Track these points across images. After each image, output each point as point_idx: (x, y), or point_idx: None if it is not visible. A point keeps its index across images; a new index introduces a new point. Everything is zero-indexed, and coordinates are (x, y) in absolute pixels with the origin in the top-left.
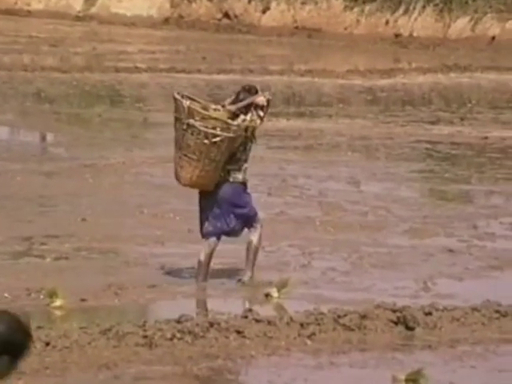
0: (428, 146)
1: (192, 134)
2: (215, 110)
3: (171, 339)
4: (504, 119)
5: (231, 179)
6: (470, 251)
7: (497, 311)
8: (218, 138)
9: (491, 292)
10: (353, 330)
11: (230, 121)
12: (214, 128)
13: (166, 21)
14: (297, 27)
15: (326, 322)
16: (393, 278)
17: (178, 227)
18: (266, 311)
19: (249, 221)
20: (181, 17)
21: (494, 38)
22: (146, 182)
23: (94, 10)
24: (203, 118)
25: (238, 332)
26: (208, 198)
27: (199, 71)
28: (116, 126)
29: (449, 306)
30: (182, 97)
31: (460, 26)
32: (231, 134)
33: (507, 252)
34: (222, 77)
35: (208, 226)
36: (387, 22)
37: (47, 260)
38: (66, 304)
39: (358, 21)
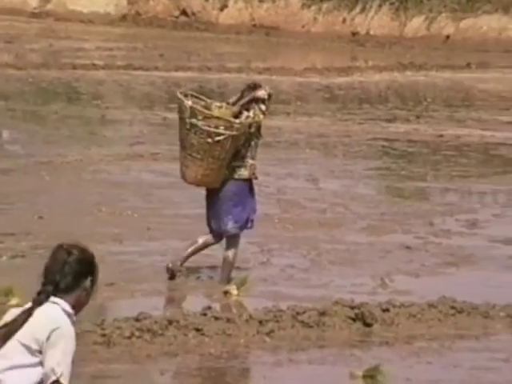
0: (385, 143)
1: (195, 133)
2: (219, 107)
3: (130, 337)
4: (459, 117)
5: (236, 176)
6: (426, 248)
7: (452, 307)
8: (221, 137)
9: (447, 288)
10: (311, 326)
11: (232, 119)
12: (216, 127)
13: (124, 18)
14: (255, 25)
15: (285, 319)
16: (351, 274)
17: (136, 225)
18: (225, 309)
19: (246, 223)
20: (138, 14)
21: (448, 36)
22: (104, 179)
23: (50, 6)
24: (206, 118)
25: (197, 330)
26: (213, 196)
27: (157, 68)
28: (73, 123)
29: (406, 303)
30: (186, 96)
31: (415, 24)
32: (234, 132)
33: (462, 249)
34: (179, 74)
35: (220, 224)
36: (344, 21)
37: (3, 258)
38: (22, 303)
39: (315, 19)
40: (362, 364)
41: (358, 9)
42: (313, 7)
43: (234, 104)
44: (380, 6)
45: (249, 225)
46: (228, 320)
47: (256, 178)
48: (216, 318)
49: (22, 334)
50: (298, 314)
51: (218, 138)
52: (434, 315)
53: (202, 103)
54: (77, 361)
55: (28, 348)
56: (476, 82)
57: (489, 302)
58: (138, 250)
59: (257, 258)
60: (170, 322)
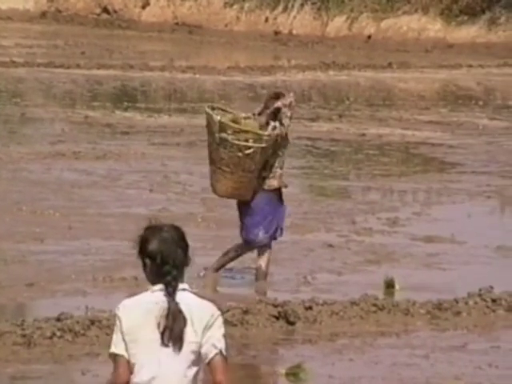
0: (308, 142)
1: (225, 147)
2: (246, 118)
3: (51, 338)
4: (380, 116)
5: (266, 187)
6: (348, 246)
7: (374, 305)
8: (251, 150)
9: (369, 286)
10: (235, 325)
11: (260, 131)
12: (246, 140)
13: (43, 15)
14: (177, 23)
15: None
16: (274, 273)
17: (57, 224)
18: None
19: (275, 233)
20: (58, 11)
21: (370, 36)
22: (24, 178)
23: None
24: (235, 132)
25: None
26: (244, 207)
27: (78, 66)
28: None
29: (328, 301)
30: (213, 109)
31: (337, 24)
32: (263, 144)
33: (384, 247)
34: (101, 72)
35: (249, 235)
36: (267, 20)
37: None
38: None
39: (237, 18)
40: (285, 362)
41: (280, 8)
42: (235, 6)
43: (259, 114)
44: (302, 5)
45: (278, 233)
46: None
47: (286, 187)
48: None
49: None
50: (221, 312)
51: (247, 152)
52: (356, 313)
53: (229, 116)
54: None
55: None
56: (397, 81)
57: (409, 300)
58: (60, 249)
59: None
60: (92, 322)
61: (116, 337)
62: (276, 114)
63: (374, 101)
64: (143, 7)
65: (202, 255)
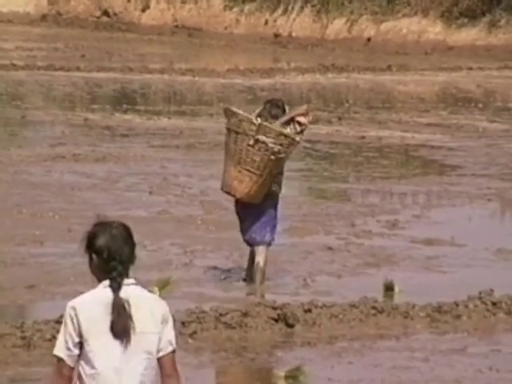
0: (307, 145)
1: (259, 149)
2: (260, 121)
3: (50, 340)
4: (380, 119)
5: (274, 190)
6: (348, 249)
7: (373, 307)
8: (282, 155)
9: (368, 289)
10: (234, 328)
11: (293, 136)
12: (281, 144)
13: (44, 18)
14: (177, 26)
15: (208, 321)
16: (273, 275)
17: (57, 226)
18: None
19: (274, 235)
20: (59, 14)
21: (369, 39)
22: (25, 180)
23: None
24: (276, 135)
25: None
26: (251, 209)
27: (78, 69)
28: None
29: (327, 303)
30: (229, 111)
31: (337, 26)
32: (291, 150)
33: (383, 249)
34: (101, 75)
35: (255, 236)
36: (266, 22)
37: None
38: None
39: (237, 20)
40: (284, 364)
41: (279, 11)
42: (235, 9)
43: (259, 116)
44: (302, 7)
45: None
46: None
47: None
48: None
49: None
50: (220, 315)
51: (280, 156)
52: (355, 315)
53: (240, 117)
54: None
55: None
56: (396, 84)
57: (409, 302)
58: (59, 251)
59: (180, 259)
60: None
61: (63, 339)
62: (289, 123)
63: (374, 103)
64: (143, 10)
65: (202, 257)
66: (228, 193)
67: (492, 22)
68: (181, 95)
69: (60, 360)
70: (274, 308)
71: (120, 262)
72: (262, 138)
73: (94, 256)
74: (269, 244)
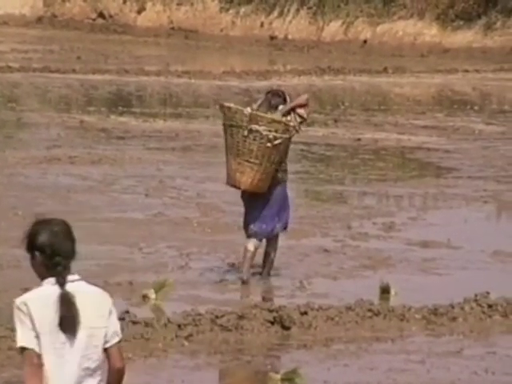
0: (303, 147)
1: (254, 139)
2: (257, 111)
3: None
4: (376, 121)
5: (280, 179)
6: (344, 251)
7: (369, 310)
8: (278, 141)
9: (364, 291)
10: (230, 330)
11: (290, 122)
12: (276, 131)
13: (40, 20)
14: (173, 28)
15: (204, 323)
16: (270, 278)
17: None
18: (143, 313)
19: (287, 224)
20: (54, 16)
21: (365, 41)
22: (20, 182)
23: None
24: (268, 122)
25: None
26: (258, 200)
27: (74, 71)
28: None
29: (324, 306)
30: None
31: (333, 29)
32: (287, 135)
33: (379, 252)
34: (97, 77)
35: (253, 227)
36: (262, 24)
37: None
38: None
39: (233, 22)
40: (281, 367)
41: (275, 13)
42: (231, 11)
43: (259, 107)
44: (298, 10)
45: (287, 226)
46: (146, 324)
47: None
48: (134, 323)
49: None
50: (216, 317)
51: (276, 142)
52: (351, 318)
53: (233, 110)
54: None
55: None
56: (392, 86)
57: (405, 305)
58: None
59: (176, 261)
60: None
61: (24, 331)
62: (290, 113)
63: (370, 105)
64: (139, 12)
65: (198, 260)
66: (233, 186)
67: (488, 25)
68: (177, 97)
69: (27, 351)
70: (270, 310)
71: (64, 257)
72: (254, 127)
73: (36, 254)
74: (283, 229)
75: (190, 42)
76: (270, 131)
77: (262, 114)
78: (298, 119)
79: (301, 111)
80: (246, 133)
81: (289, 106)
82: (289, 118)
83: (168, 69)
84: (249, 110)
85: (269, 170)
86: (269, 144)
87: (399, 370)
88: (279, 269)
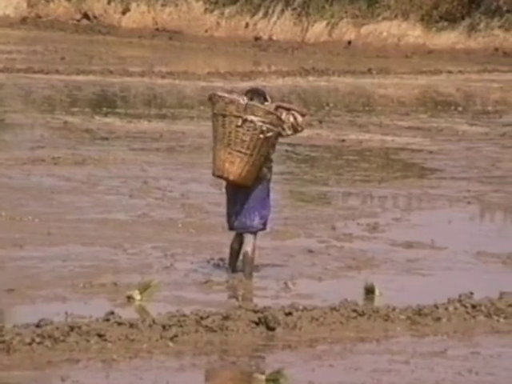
0: (288, 148)
1: (248, 129)
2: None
3: (30, 344)
4: (360, 122)
5: (262, 176)
6: (328, 252)
7: (354, 310)
8: (270, 133)
9: (349, 292)
10: (215, 331)
11: (281, 115)
12: (270, 123)
13: (23, 20)
14: (157, 29)
15: (189, 324)
16: (255, 278)
17: (37, 230)
18: (128, 314)
19: (266, 223)
20: (38, 17)
21: (350, 42)
22: (4, 184)
23: None
24: (265, 114)
25: (100, 335)
26: (240, 194)
27: (58, 72)
28: None
29: (308, 306)
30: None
31: (317, 30)
32: (278, 129)
33: (364, 252)
34: (81, 78)
35: (245, 220)
36: (247, 25)
37: None
38: None
39: (218, 23)
40: (265, 368)
41: (260, 14)
42: (215, 12)
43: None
44: (282, 11)
45: (265, 225)
46: (131, 325)
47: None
48: (119, 324)
49: None
50: (201, 318)
51: (268, 135)
52: (336, 318)
53: (226, 99)
54: None
55: None
56: (377, 87)
57: (389, 305)
58: (39, 255)
59: (160, 262)
60: (72, 328)
61: None
62: (284, 111)
63: (354, 106)
64: (123, 13)
65: (183, 261)
66: (220, 176)
67: (471, 26)
68: (161, 98)
69: None
70: (255, 311)
71: None
72: (250, 117)
73: None
74: (260, 230)
75: (175, 42)
76: (264, 122)
77: (259, 105)
78: (292, 120)
79: (298, 117)
80: (239, 123)
81: (288, 105)
82: (284, 114)
83: (152, 70)
84: (245, 99)
85: (257, 162)
86: (261, 135)
87: (384, 370)
88: (264, 270)
